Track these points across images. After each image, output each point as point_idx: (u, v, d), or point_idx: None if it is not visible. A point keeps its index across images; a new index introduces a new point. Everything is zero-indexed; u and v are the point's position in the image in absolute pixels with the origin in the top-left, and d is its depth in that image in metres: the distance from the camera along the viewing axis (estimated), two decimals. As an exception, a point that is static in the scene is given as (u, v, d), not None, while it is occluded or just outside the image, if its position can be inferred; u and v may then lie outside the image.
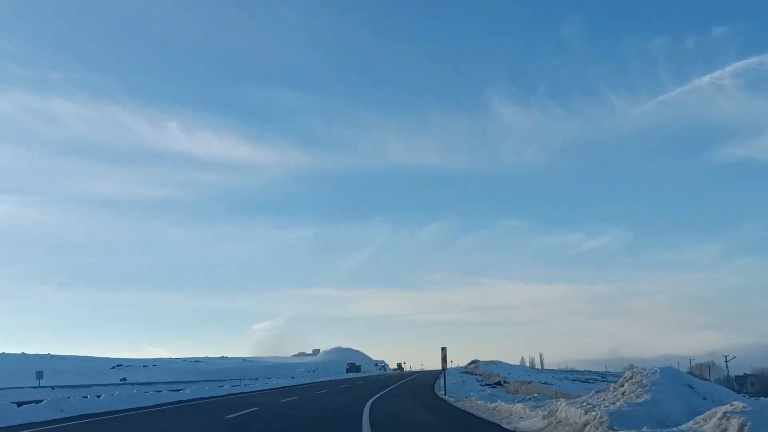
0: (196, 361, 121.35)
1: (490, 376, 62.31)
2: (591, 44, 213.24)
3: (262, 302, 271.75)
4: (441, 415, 17.48)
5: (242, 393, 33.53)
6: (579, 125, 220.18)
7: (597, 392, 14.40)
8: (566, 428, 10.84)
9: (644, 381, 12.44)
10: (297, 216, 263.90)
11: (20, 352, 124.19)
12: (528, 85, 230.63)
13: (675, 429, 8.43)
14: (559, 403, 12.97)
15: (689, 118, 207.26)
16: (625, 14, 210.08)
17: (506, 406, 16.50)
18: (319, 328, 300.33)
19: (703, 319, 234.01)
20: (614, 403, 11.49)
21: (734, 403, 8.27)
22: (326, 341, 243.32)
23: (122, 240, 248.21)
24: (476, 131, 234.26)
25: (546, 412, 12.61)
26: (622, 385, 13.00)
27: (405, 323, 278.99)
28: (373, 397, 27.13)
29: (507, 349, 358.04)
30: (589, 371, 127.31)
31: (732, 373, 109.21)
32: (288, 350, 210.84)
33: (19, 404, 16.68)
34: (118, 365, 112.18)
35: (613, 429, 9.41)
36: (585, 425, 10.24)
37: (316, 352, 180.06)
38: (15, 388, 50.87)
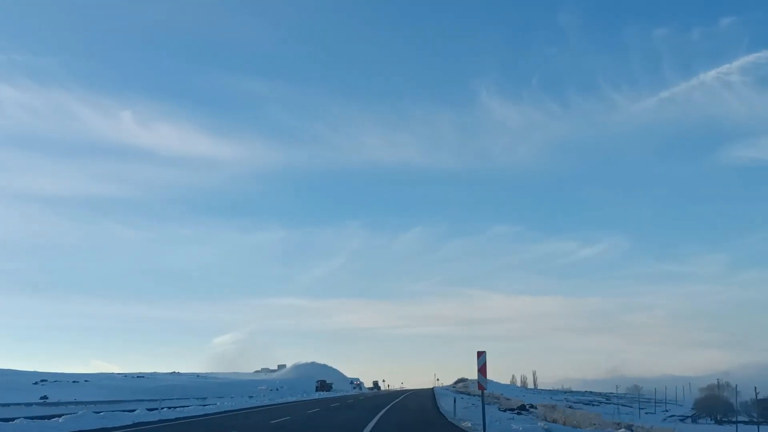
0: (139, 376, 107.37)
1: (500, 399, 55.15)
2: (589, 34, 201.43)
3: (223, 313, 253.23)
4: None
5: (146, 423, 24.68)
6: (575, 122, 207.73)
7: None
8: None
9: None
10: (263, 218, 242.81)
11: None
12: (520, 78, 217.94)
13: None
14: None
15: (694, 116, 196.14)
16: (626, 2, 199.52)
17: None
18: (287, 342, 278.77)
19: (707, 336, 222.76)
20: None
21: None
22: (294, 356, 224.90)
23: (67, 242, 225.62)
24: (463, 127, 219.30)
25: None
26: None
27: (383, 337, 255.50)
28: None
29: (496, 367, 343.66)
30: (591, 392, 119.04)
31: (746, 397, 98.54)
32: (251, 366, 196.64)
33: None
34: (42, 380, 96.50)
35: None
36: None
37: (281, 367, 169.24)
38: None
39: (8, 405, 48.02)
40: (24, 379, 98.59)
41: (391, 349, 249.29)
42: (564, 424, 27.33)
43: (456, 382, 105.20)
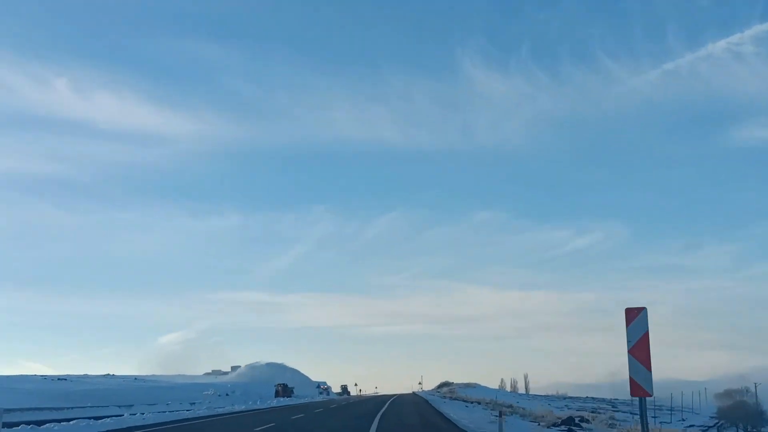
0: (60, 379, 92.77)
1: (495, 404, 49.83)
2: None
3: (171, 309, 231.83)
4: None
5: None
6: (568, 96, 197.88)
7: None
8: None
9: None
10: (218, 201, 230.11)
11: None
12: (508, 45, 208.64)
13: None
14: None
15: (701, 90, 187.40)
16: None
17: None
18: (244, 341, 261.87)
19: (716, 336, 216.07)
20: None
21: None
22: (252, 357, 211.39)
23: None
24: (444, 100, 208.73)
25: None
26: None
27: (353, 336, 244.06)
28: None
29: (483, 370, 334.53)
30: (592, 398, 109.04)
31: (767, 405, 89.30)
32: (201, 368, 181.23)
33: None
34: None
35: None
36: None
37: (235, 369, 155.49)
38: None
39: None
40: None
41: (363, 349, 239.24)
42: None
43: (439, 386, 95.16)
